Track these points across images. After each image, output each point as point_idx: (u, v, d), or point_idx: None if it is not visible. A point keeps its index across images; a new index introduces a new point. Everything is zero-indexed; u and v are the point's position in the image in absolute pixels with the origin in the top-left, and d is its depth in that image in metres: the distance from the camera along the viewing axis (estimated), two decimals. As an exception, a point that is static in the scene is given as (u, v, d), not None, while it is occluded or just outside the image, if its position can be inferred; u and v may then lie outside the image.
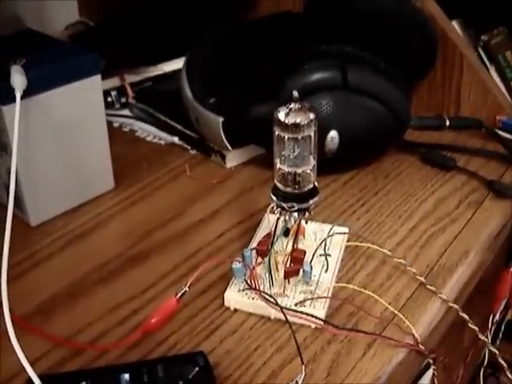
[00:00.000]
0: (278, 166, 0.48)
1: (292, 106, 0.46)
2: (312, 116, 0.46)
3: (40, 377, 0.38)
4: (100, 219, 0.59)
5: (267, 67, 0.63)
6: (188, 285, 0.45)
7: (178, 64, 0.80)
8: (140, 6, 0.86)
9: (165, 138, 0.72)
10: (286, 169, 0.47)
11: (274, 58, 0.64)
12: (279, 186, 0.48)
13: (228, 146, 0.63)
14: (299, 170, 0.47)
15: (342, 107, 0.59)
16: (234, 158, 0.67)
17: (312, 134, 0.46)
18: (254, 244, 0.52)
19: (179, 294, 0.44)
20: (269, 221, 0.52)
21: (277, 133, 0.47)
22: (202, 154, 0.69)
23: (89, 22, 0.96)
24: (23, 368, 0.38)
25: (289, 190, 0.48)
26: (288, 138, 0.46)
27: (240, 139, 0.64)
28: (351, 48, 0.63)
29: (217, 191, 0.63)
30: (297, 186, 0.48)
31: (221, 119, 0.62)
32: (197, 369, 0.41)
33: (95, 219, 0.59)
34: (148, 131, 0.74)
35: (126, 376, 0.40)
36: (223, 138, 0.62)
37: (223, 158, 0.66)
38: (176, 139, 0.71)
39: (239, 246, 0.54)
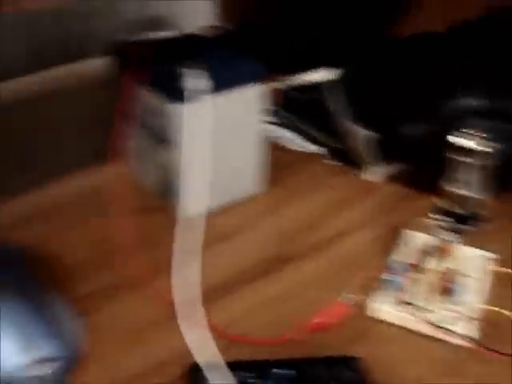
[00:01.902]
0: (447, 186, 0.49)
1: (469, 130, 0.47)
2: (489, 144, 0.47)
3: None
4: (249, 220, 0.61)
5: (420, 86, 0.64)
6: (353, 292, 0.46)
7: (324, 74, 0.81)
8: (287, 14, 0.88)
9: (308, 147, 0.74)
10: (455, 190, 0.48)
11: (426, 78, 0.64)
12: (443, 205, 0.49)
13: (373, 160, 0.65)
14: (468, 194, 0.48)
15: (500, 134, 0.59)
16: (376, 173, 0.68)
17: (487, 161, 0.47)
18: (404, 258, 0.53)
19: (348, 300, 0.46)
20: (418, 237, 0.53)
21: (452, 156, 0.47)
22: (345, 165, 0.70)
23: (227, 26, 0.98)
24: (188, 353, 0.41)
25: (453, 210, 0.49)
26: (463, 163, 0.47)
27: (386, 155, 0.65)
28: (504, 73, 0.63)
29: (359, 204, 0.64)
30: (462, 208, 0.49)
31: (367, 133, 0.63)
32: (350, 372, 0.42)
33: (244, 219, 0.61)
34: (292, 139, 0.75)
35: (286, 371, 0.42)
36: (369, 152, 0.64)
37: (366, 171, 0.68)
38: (319, 149, 0.73)
39: (385, 259, 0.55)
